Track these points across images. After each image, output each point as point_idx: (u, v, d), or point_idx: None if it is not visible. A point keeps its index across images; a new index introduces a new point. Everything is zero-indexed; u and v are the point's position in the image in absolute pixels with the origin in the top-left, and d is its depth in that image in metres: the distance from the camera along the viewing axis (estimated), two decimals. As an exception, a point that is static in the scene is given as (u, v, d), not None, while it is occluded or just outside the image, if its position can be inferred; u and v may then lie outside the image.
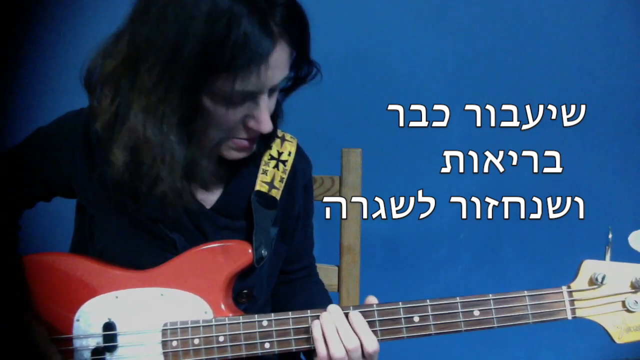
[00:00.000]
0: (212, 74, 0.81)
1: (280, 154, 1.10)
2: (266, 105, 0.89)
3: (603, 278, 0.90)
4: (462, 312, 0.92)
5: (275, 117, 1.02)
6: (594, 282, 0.91)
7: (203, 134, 0.91)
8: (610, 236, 0.91)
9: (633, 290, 0.90)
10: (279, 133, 1.12)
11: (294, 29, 0.87)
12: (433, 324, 0.92)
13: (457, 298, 0.92)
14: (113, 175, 0.91)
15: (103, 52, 0.89)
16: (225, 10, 0.78)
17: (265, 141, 1.06)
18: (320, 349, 0.90)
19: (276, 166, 1.09)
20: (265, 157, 1.09)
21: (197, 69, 0.80)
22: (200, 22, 0.78)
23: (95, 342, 0.98)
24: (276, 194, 1.07)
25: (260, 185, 1.06)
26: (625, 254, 0.92)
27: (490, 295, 0.92)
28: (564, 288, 0.92)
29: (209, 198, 1.05)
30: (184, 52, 0.79)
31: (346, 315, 0.92)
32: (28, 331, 0.97)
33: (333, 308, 0.92)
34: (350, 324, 0.91)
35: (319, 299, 1.20)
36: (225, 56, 0.79)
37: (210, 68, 0.80)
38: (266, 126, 0.90)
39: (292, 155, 1.12)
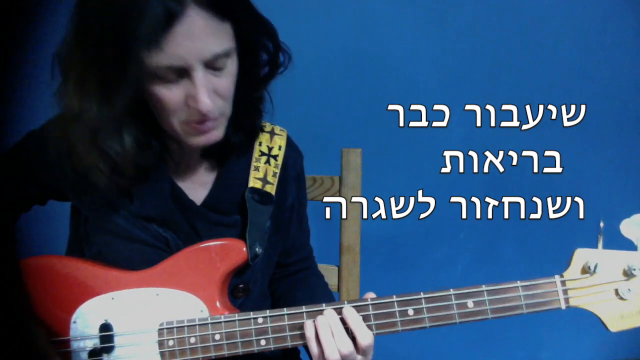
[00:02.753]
0: (124, 48, 0.79)
1: (270, 149, 1.10)
2: (201, 82, 0.84)
3: (595, 266, 0.90)
4: (455, 303, 0.92)
5: (255, 104, 1.02)
6: (586, 270, 0.91)
7: (161, 120, 0.91)
8: (601, 224, 0.91)
9: (625, 278, 0.91)
10: (268, 127, 1.12)
11: None
12: (427, 317, 0.92)
13: (451, 290, 0.93)
14: (50, 151, 0.94)
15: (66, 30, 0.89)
16: None
17: (246, 131, 1.04)
18: (313, 349, 0.91)
19: (267, 162, 1.09)
20: (256, 154, 1.08)
21: (108, 43, 0.79)
22: None
23: (93, 343, 0.98)
24: (271, 189, 1.07)
25: (253, 182, 1.06)
26: (620, 247, 0.92)
27: (484, 286, 0.92)
28: (557, 277, 0.92)
29: (199, 194, 1.05)
30: (94, 28, 0.79)
31: (340, 310, 0.92)
32: (28, 333, 0.97)
33: (328, 312, 0.92)
34: (344, 321, 0.91)
35: (320, 292, 1.21)
36: (129, 28, 0.77)
37: (119, 42, 0.78)
38: (203, 105, 0.85)
39: (283, 149, 1.11)
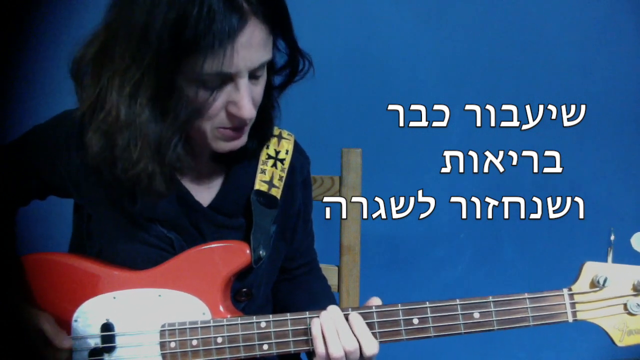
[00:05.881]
0: (182, 54, 0.80)
1: (277, 152, 1.10)
2: (246, 89, 0.86)
3: (605, 280, 0.89)
4: (461, 314, 0.91)
5: (269, 112, 1.02)
6: (595, 284, 0.90)
7: (190, 125, 0.90)
8: (612, 238, 0.90)
9: (635, 293, 0.90)
10: (276, 131, 1.12)
11: (269, 7, 0.84)
12: (432, 326, 0.91)
13: (457, 300, 0.92)
14: (89, 160, 0.91)
15: (86, 41, 0.89)
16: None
17: (260, 138, 1.04)
18: (319, 348, 0.90)
19: (274, 165, 1.09)
20: (263, 157, 1.08)
21: (166, 49, 0.79)
22: (164, 1, 0.78)
23: (94, 342, 0.98)
24: (276, 192, 1.07)
25: (259, 185, 1.06)
26: (625, 254, 0.91)
27: (491, 297, 0.92)
28: (565, 290, 0.91)
29: (206, 196, 1.05)
30: (151, 32, 0.79)
31: (346, 317, 0.92)
32: (33, 319, 0.96)
33: (333, 308, 0.92)
34: (349, 326, 0.91)
35: (321, 295, 1.20)
36: (191, 34, 0.78)
37: (178, 48, 0.79)
38: (247, 112, 0.87)
39: (290, 153, 1.11)
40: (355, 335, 0.90)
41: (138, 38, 0.80)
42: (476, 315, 0.91)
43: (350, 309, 0.92)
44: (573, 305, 0.91)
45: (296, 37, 0.96)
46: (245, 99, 0.87)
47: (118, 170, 0.89)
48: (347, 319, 0.91)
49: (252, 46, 0.83)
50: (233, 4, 0.79)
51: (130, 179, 0.89)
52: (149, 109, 0.84)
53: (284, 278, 1.21)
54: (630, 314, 0.90)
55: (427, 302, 0.92)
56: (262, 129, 1.03)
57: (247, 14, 0.81)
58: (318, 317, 0.92)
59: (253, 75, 0.88)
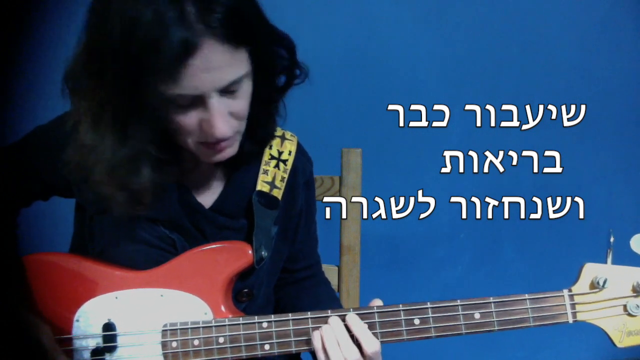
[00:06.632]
0: (137, 75, 0.78)
1: (280, 153, 1.10)
2: (217, 108, 0.84)
3: (604, 282, 0.90)
4: (462, 314, 0.91)
5: (267, 115, 1.01)
6: (595, 285, 0.91)
7: (176, 138, 0.90)
8: (611, 240, 0.90)
9: (634, 294, 0.90)
10: (279, 132, 1.12)
11: (231, 26, 0.80)
12: (433, 327, 0.92)
13: (458, 301, 0.92)
14: (65, 174, 0.91)
15: (72, 55, 0.88)
16: (134, 16, 0.76)
17: (259, 141, 1.04)
18: (321, 359, 0.91)
19: (277, 166, 1.09)
20: (266, 157, 1.08)
21: (121, 69, 0.78)
22: (116, 27, 0.77)
23: (95, 342, 0.98)
24: (278, 193, 1.07)
25: (261, 185, 1.06)
26: (625, 255, 0.92)
27: (491, 298, 0.92)
28: (565, 292, 0.92)
29: (208, 198, 1.05)
30: (107, 51, 0.79)
31: (344, 317, 0.92)
32: (33, 331, 0.97)
33: (333, 320, 0.92)
34: (349, 329, 0.91)
35: (326, 299, 1.20)
36: (142, 61, 0.76)
37: (131, 68, 0.78)
38: (218, 131, 0.85)
39: (293, 154, 1.11)
40: (355, 336, 0.90)
41: (98, 68, 0.80)
42: (477, 315, 0.91)
43: (351, 309, 0.93)
44: (573, 306, 0.91)
45: (286, 44, 0.95)
46: (216, 119, 0.85)
47: (89, 188, 0.90)
48: (344, 320, 0.92)
49: (213, 68, 0.80)
50: (183, 27, 0.76)
51: (97, 198, 0.90)
52: (112, 132, 0.84)
53: (287, 281, 1.21)
54: (630, 315, 0.90)
55: (429, 303, 0.92)
56: (261, 132, 1.02)
57: (200, 35, 0.78)
58: (318, 322, 0.93)
59: (227, 91, 0.85)
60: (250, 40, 0.84)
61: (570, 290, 0.92)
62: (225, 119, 0.86)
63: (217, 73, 0.81)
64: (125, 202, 0.90)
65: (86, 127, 0.85)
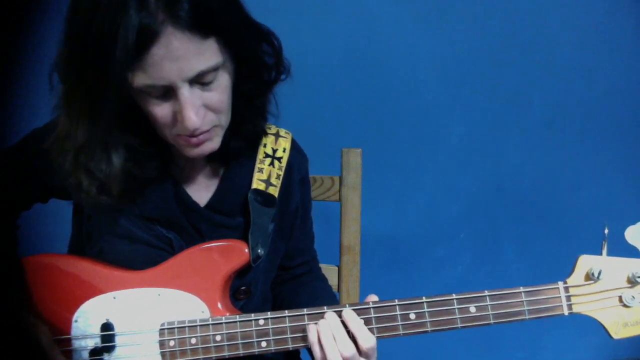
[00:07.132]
0: (108, 69, 0.78)
1: (275, 151, 1.10)
2: (187, 99, 0.84)
3: (599, 273, 0.89)
4: (458, 308, 0.92)
5: (253, 111, 1.01)
6: (590, 277, 0.91)
7: (157, 131, 0.91)
8: (606, 231, 0.90)
9: (630, 285, 0.90)
10: (273, 129, 1.12)
11: (198, 15, 0.79)
12: (429, 321, 0.92)
13: (453, 295, 0.92)
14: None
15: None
16: (97, 6, 0.76)
17: (247, 137, 1.04)
18: (317, 354, 0.91)
19: (271, 164, 1.09)
20: (260, 155, 1.08)
21: (88, 59, 0.79)
22: (81, 12, 0.78)
23: (94, 342, 0.98)
24: (274, 191, 1.07)
25: (257, 184, 1.06)
26: (623, 252, 0.92)
27: (486, 291, 0.92)
28: (560, 284, 0.92)
29: (204, 196, 1.05)
30: (75, 43, 0.80)
31: (340, 313, 0.92)
32: (32, 331, 0.97)
33: (329, 315, 0.92)
34: (345, 325, 0.91)
35: (323, 295, 1.20)
36: (109, 50, 0.76)
37: (101, 63, 0.78)
38: (189, 122, 0.85)
39: (287, 151, 1.11)
40: (351, 332, 0.90)
41: (70, 54, 0.82)
42: (472, 309, 0.91)
43: (347, 305, 0.93)
44: (568, 298, 0.91)
45: (264, 34, 0.94)
46: (186, 109, 0.84)
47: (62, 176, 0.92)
48: (340, 316, 0.92)
49: (178, 57, 0.80)
50: (143, 13, 0.76)
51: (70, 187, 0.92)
52: (83, 121, 0.85)
53: (284, 277, 1.22)
54: (625, 306, 0.90)
55: (424, 297, 0.92)
56: (246, 128, 1.02)
57: (161, 23, 0.77)
58: (315, 318, 0.93)
59: (199, 82, 0.85)
60: (218, 31, 0.83)
61: (565, 282, 0.92)
62: (197, 110, 0.86)
63: (183, 62, 0.81)
64: (91, 191, 0.91)
65: (63, 116, 0.87)
